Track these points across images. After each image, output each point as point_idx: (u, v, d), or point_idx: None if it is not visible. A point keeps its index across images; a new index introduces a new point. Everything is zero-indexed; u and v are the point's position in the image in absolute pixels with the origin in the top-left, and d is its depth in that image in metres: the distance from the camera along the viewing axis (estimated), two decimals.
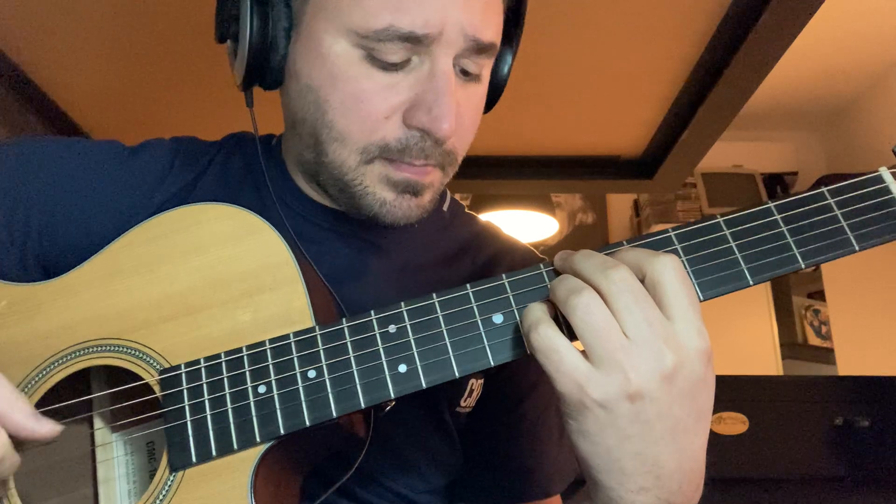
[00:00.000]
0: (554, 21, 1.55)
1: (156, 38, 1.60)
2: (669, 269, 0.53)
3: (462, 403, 0.79)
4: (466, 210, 0.94)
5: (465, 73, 0.71)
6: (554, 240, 3.05)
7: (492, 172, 2.21)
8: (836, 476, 1.92)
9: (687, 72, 1.75)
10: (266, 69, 0.71)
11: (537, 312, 0.55)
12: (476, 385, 0.80)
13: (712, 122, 1.89)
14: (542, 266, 0.60)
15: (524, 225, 2.83)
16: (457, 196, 0.94)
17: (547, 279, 0.59)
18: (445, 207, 0.89)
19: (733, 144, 2.95)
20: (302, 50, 0.70)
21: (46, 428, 0.56)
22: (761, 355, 2.93)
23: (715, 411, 1.97)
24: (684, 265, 0.58)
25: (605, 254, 0.56)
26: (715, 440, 1.91)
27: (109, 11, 1.50)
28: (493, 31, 0.71)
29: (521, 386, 0.83)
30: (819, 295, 3.03)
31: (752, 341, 2.95)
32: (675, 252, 0.58)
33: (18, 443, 0.56)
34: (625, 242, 0.60)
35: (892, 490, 1.87)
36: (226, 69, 0.75)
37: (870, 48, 2.62)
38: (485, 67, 0.73)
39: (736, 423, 1.92)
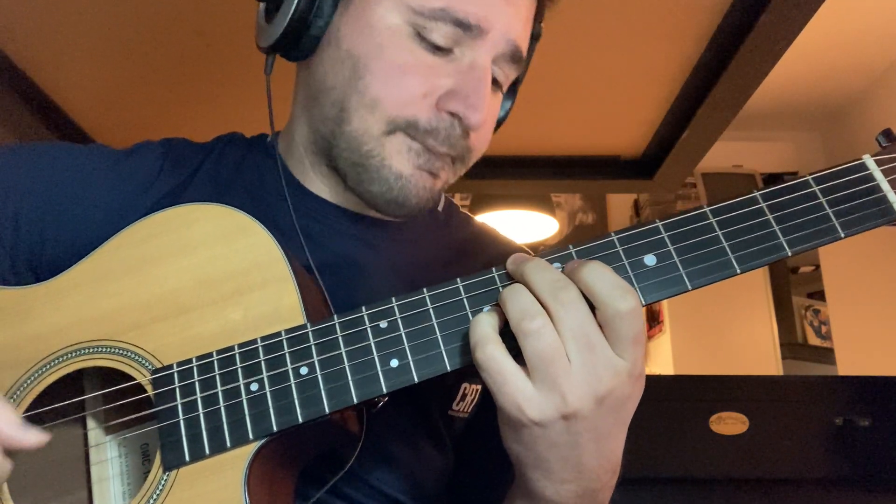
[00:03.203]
0: (554, 21, 1.55)
1: (156, 39, 1.60)
2: (624, 312, 0.54)
3: (454, 407, 0.78)
4: (461, 210, 0.93)
5: (493, 81, 0.73)
6: (554, 240, 3.04)
7: (492, 172, 2.21)
8: (836, 476, 1.91)
9: (687, 72, 1.75)
10: (304, 35, 0.72)
11: (486, 328, 0.56)
12: (470, 390, 0.79)
13: (712, 122, 1.89)
14: (493, 270, 0.61)
15: (524, 225, 2.82)
16: (457, 196, 0.94)
17: (499, 282, 0.60)
18: (440, 208, 0.89)
19: (733, 144, 2.94)
20: (349, 18, 0.72)
21: (33, 438, 0.55)
22: (761, 355, 2.93)
23: (715, 411, 1.96)
24: (672, 255, 0.59)
25: (557, 258, 0.59)
26: (715, 440, 1.91)
27: (110, 11, 1.50)
28: (525, 47, 0.75)
29: None
30: (819, 295, 3.03)
31: (752, 341, 2.95)
32: (662, 242, 0.60)
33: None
34: (612, 234, 0.60)
35: (892, 490, 1.86)
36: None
37: (870, 48, 2.62)
38: (506, 83, 0.76)
39: (736, 423, 1.92)
